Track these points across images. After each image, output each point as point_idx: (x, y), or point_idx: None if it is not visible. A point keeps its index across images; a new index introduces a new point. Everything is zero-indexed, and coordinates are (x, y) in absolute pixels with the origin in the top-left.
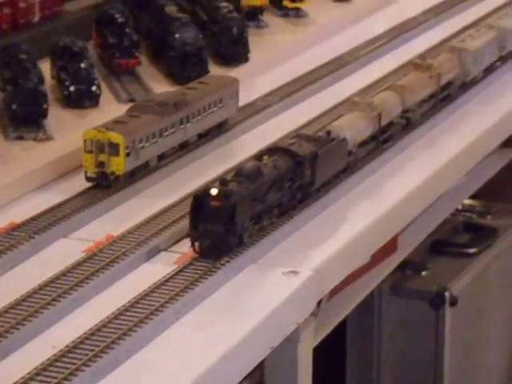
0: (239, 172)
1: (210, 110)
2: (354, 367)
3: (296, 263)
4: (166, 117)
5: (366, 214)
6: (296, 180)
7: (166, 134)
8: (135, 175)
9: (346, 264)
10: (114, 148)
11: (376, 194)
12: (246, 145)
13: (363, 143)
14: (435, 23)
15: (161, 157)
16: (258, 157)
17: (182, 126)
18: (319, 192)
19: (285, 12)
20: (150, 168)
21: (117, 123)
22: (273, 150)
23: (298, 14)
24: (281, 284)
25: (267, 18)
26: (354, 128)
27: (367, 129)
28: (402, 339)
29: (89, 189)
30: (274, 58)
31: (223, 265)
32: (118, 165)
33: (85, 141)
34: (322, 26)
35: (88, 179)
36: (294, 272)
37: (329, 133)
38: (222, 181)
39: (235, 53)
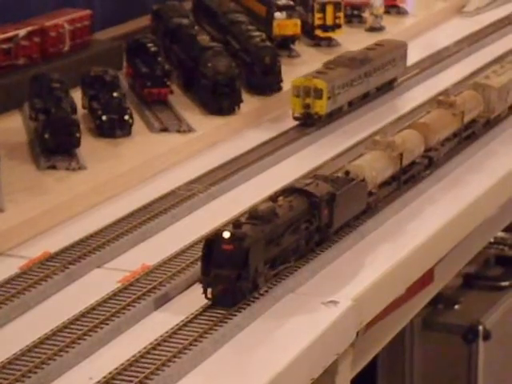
0: (253, 214)
1: (386, 68)
2: None
3: (335, 293)
4: (355, 70)
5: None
6: (313, 222)
7: (355, 84)
8: (332, 116)
9: (384, 295)
10: (318, 92)
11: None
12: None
13: (384, 184)
14: (465, 55)
15: (350, 103)
16: (273, 198)
17: (365, 79)
18: (338, 234)
19: (317, 41)
20: (342, 112)
21: (318, 73)
22: (288, 191)
23: (330, 43)
24: (320, 314)
25: (299, 47)
26: (374, 168)
27: (388, 169)
28: (435, 374)
29: (294, 127)
30: None
31: (262, 295)
32: (321, 107)
33: (294, 87)
34: None
35: (295, 118)
36: (334, 302)
37: (347, 173)
38: (234, 223)
39: (268, 82)
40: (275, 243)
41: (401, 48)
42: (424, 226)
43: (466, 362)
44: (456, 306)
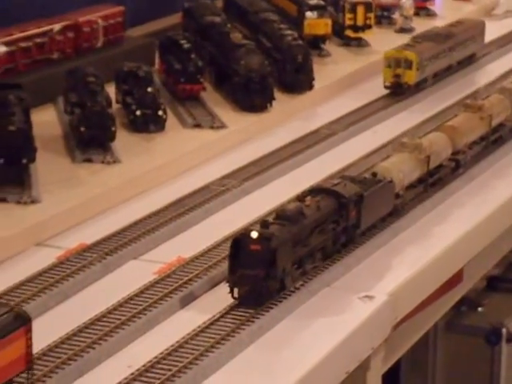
0: (280, 214)
1: (467, 43)
2: None
3: (370, 288)
4: (440, 44)
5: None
6: (340, 222)
7: (440, 57)
8: (419, 86)
9: (418, 291)
10: (408, 63)
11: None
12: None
13: (411, 186)
14: (495, 57)
15: (434, 75)
16: (301, 198)
17: (449, 53)
18: (364, 236)
19: (347, 41)
20: (427, 83)
21: (408, 46)
22: (316, 191)
23: (359, 43)
24: (356, 308)
25: (329, 47)
26: (401, 170)
27: (415, 171)
28: (457, 375)
29: (385, 96)
30: (336, 86)
31: (298, 289)
32: (411, 77)
33: (385, 58)
34: (383, 56)
35: (386, 87)
36: (369, 297)
37: (375, 174)
38: (262, 223)
39: (299, 80)
40: (302, 243)
41: (479, 26)
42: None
43: (488, 364)
44: (479, 309)
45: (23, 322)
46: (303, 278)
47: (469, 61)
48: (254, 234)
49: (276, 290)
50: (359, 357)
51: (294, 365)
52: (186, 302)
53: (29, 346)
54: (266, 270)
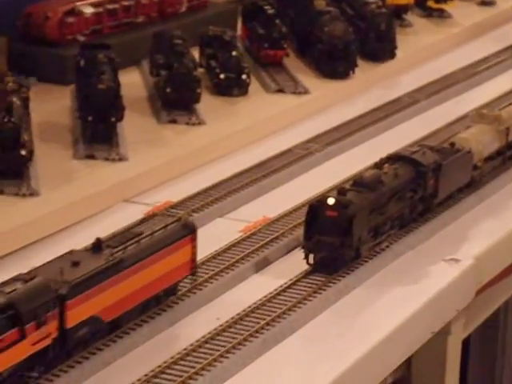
0: (358, 181)
1: None
2: (477, 379)
3: (455, 251)
4: None
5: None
6: (418, 191)
7: None
8: None
9: (502, 257)
10: None
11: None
12: None
13: (489, 158)
14: None
15: None
16: (379, 165)
17: None
18: (442, 206)
19: (429, 12)
20: None
21: None
22: (394, 159)
23: (441, 14)
24: (442, 270)
25: (411, 17)
26: (480, 141)
27: (494, 143)
28: None
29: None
30: (418, 56)
31: (383, 250)
32: None
33: None
34: (465, 28)
35: None
36: (455, 260)
37: (453, 145)
38: (339, 190)
39: (382, 49)
40: (379, 211)
41: None
42: None
43: None
44: None
45: (190, 231)
46: (379, 246)
47: None
48: (331, 201)
49: (351, 257)
50: (444, 318)
51: (380, 324)
52: (272, 259)
53: (194, 253)
54: (341, 238)
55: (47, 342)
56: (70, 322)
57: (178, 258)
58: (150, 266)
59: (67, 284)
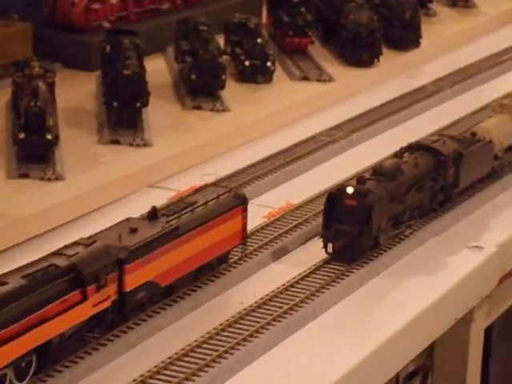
0: (378, 170)
1: None
2: (498, 371)
3: (479, 239)
4: None
5: None
6: (438, 180)
7: None
8: None
9: None
10: None
11: None
12: None
13: (510, 148)
14: None
15: None
16: (399, 154)
17: None
18: (462, 195)
19: (454, 1)
20: None
21: None
22: (414, 148)
23: (466, 4)
24: (465, 257)
25: (436, 6)
26: (501, 131)
27: None
28: None
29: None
30: (443, 45)
31: (407, 236)
32: None
33: None
34: (490, 17)
35: None
36: (479, 247)
37: (474, 134)
38: (359, 179)
39: (407, 37)
40: (399, 201)
41: None
42: None
43: None
44: None
45: (241, 201)
46: (398, 235)
47: None
48: (350, 190)
49: (370, 247)
50: (468, 305)
51: (403, 308)
52: (296, 244)
53: (244, 223)
54: (360, 227)
55: (107, 304)
56: (129, 286)
57: (229, 227)
58: (204, 233)
59: (126, 249)
